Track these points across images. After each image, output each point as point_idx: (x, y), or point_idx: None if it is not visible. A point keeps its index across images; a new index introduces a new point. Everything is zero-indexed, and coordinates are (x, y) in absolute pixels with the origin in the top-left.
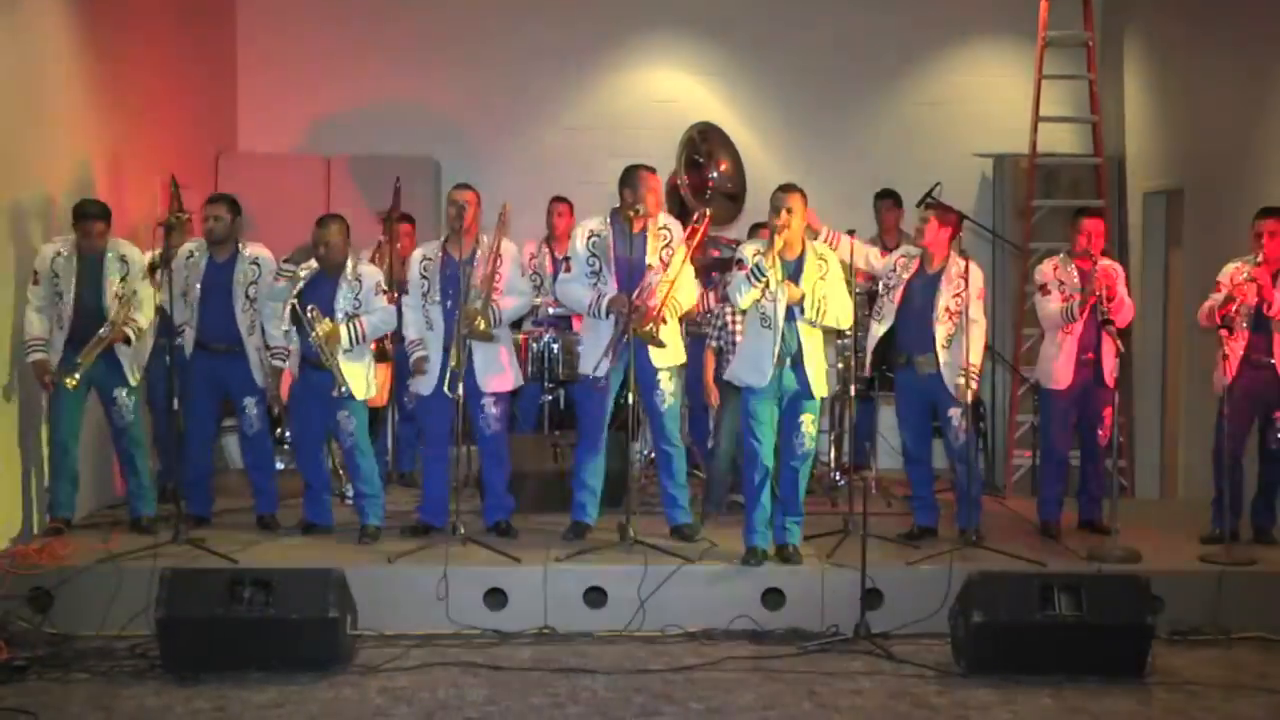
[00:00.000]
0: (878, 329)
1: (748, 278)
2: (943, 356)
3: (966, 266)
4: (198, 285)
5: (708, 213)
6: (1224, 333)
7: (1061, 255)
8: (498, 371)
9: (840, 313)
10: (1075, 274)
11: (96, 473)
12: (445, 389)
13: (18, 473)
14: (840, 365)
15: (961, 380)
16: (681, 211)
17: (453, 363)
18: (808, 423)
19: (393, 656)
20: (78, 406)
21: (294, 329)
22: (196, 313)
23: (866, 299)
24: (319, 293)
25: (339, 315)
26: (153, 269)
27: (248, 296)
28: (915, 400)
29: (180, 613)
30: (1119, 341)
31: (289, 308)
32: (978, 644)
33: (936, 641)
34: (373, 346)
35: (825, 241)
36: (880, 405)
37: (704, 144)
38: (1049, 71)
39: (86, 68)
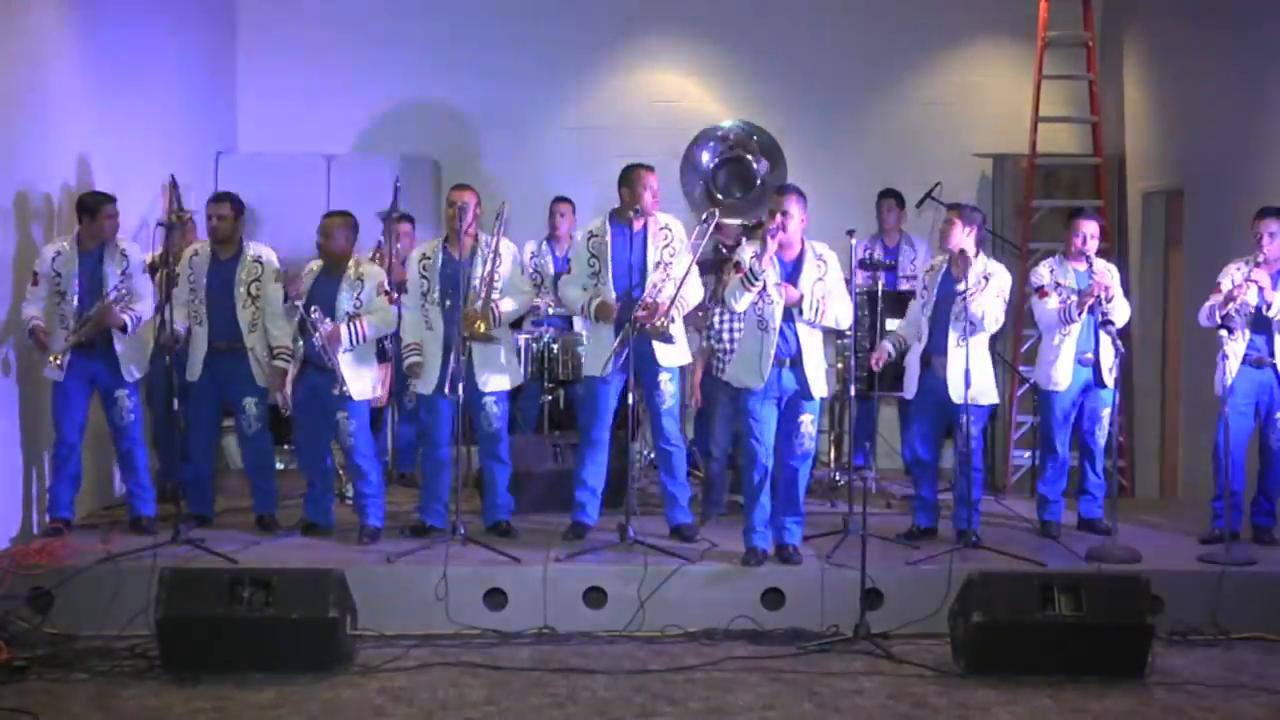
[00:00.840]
0: (918, 346)
1: (742, 281)
2: (955, 359)
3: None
4: (203, 283)
5: (716, 213)
6: (1224, 333)
7: (1058, 256)
8: (498, 371)
9: (840, 313)
10: (1072, 275)
11: (96, 473)
12: (445, 390)
13: (18, 473)
14: (839, 365)
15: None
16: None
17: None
18: (807, 423)
19: (392, 656)
20: (81, 406)
21: (297, 330)
22: (203, 312)
23: (867, 299)
24: (321, 293)
25: (340, 315)
26: (153, 269)
27: (250, 294)
28: (930, 401)
29: (180, 613)
30: (1118, 341)
31: (292, 308)
32: (977, 644)
33: (936, 641)
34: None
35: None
36: (880, 405)
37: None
38: (1049, 71)
39: (86, 68)
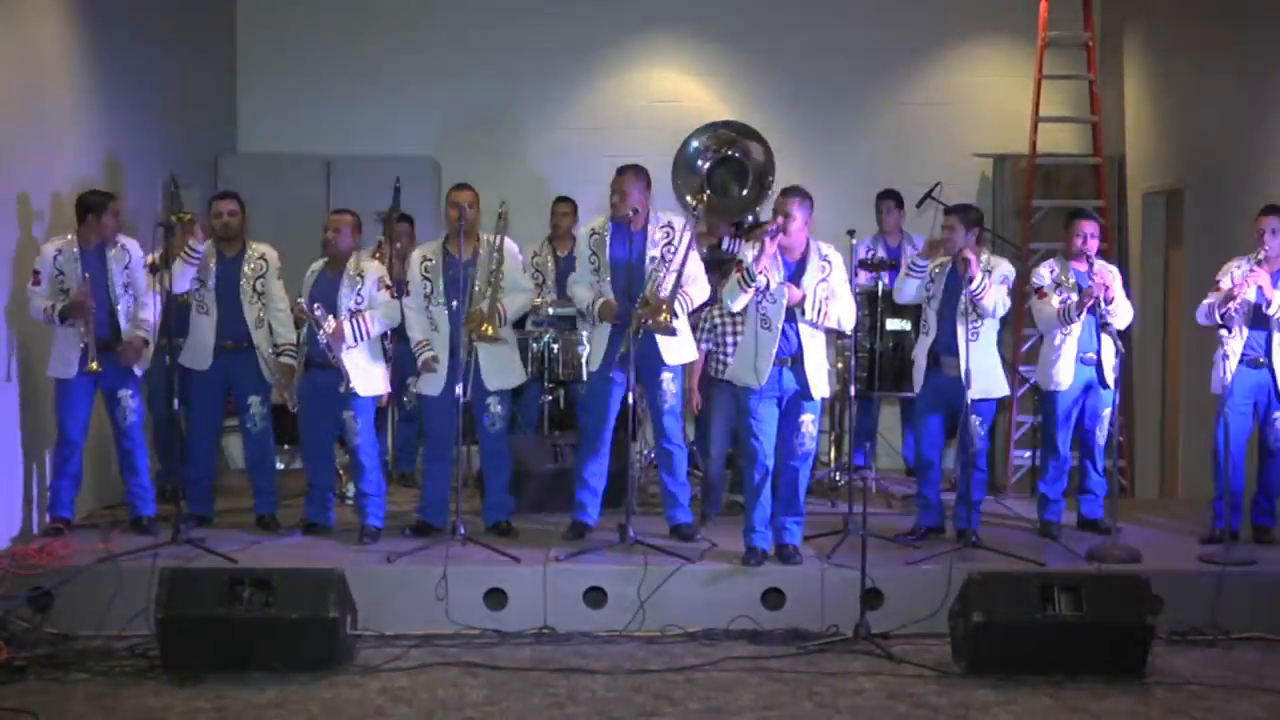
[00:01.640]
0: (925, 341)
1: (739, 281)
2: (965, 356)
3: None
4: (211, 283)
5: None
6: (1223, 331)
7: (1058, 257)
8: (503, 370)
9: (842, 315)
10: (1073, 275)
11: (97, 473)
12: (453, 391)
13: (18, 472)
14: (840, 365)
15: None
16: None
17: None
18: (808, 423)
19: (393, 656)
20: (86, 405)
21: (304, 328)
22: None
23: (867, 299)
24: (323, 290)
25: (343, 312)
26: (153, 269)
27: (255, 291)
28: (937, 401)
29: (180, 613)
30: (1119, 342)
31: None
32: (977, 644)
33: (936, 641)
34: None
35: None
36: (881, 405)
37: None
38: (1049, 71)
39: (86, 68)
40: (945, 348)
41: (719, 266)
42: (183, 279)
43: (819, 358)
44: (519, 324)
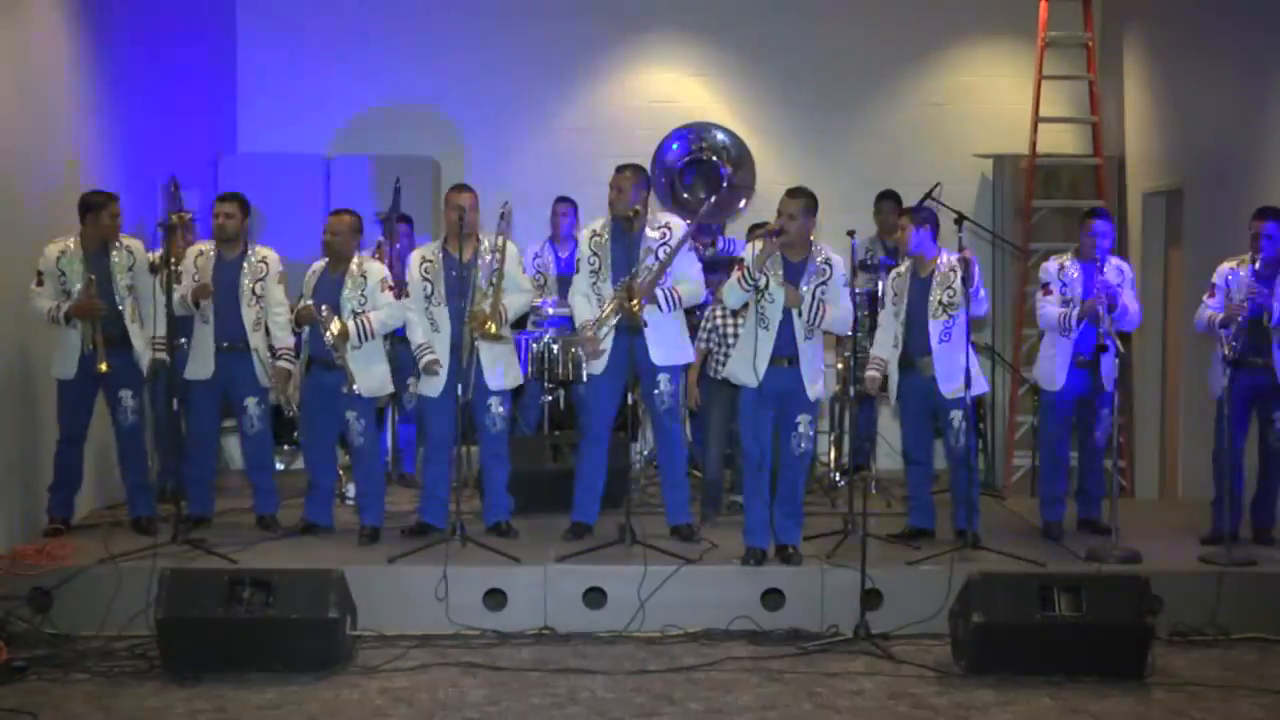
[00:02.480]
0: (895, 353)
1: (738, 281)
2: (939, 355)
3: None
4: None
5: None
6: (1222, 332)
7: (1069, 255)
8: (505, 370)
9: (838, 319)
10: (1079, 278)
11: (97, 473)
12: (456, 392)
13: (18, 472)
14: (840, 365)
15: (958, 386)
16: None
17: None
18: (805, 423)
19: (393, 656)
20: (89, 404)
21: (306, 329)
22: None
23: (866, 299)
24: (326, 291)
25: (346, 312)
26: (153, 270)
27: (255, 294)
28: (917, 402)
29: (180, 613)
30: (1118, 343)
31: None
32: (977, 644)
33: (936, 642)
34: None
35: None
36: (880, 405)
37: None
38: (1049, 72)
39: (86, 68)
40: (918, 349)
41: (722, 268)
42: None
43: (816, 359)
44: (520, 324)
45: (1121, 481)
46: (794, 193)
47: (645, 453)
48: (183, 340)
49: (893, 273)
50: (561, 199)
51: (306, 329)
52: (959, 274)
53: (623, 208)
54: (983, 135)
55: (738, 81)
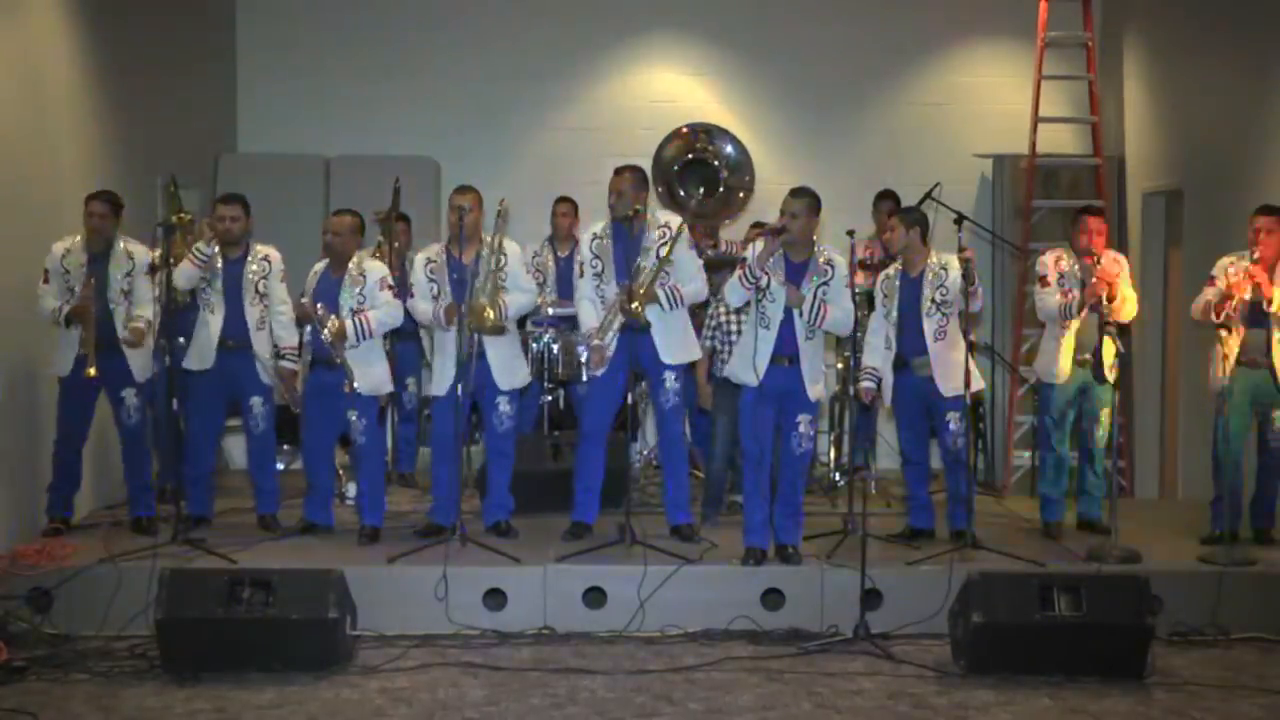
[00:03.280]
0: (889, 355)
1: (740, 279)
2: (934, 354)
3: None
4: (218, 284)
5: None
6: (1222, 332)
7: (1065, 249)
8: (514, 369)
9: (839, 319)
10: (1077, 269)
11: (96, 473)
12: (459, 391)
13: (18, 472)
14: (840, 365)
15: (955, 383)
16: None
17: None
18: (805, 423)
19: (392, 657)
20: (89, 405)
21: (306, 328)
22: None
23: (866, 300)
24: (326, 290)
25: (345, 311)
26: (153, 270)
27: (258, 292)
28: (912, 402)
29: (180, 613)
30: (1119, 342)
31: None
32: (977, 644)
33: (936, 642)
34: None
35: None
36: (880, 405)
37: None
38: (1049, 72)
39: (87, 68)
40: (912, 350)
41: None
42: (185, 276)
43: (816, 359)
44: (520, 323)
45: (1121, 481)
46: (797, 192)
47: (645, 452)
48: (181, 340)
49: (882, 275)
50: (560, 199)
51: (308, 329)
52: (952, 273)
53: (623, 209)
54: (982, 135)
55: (738, 81)
